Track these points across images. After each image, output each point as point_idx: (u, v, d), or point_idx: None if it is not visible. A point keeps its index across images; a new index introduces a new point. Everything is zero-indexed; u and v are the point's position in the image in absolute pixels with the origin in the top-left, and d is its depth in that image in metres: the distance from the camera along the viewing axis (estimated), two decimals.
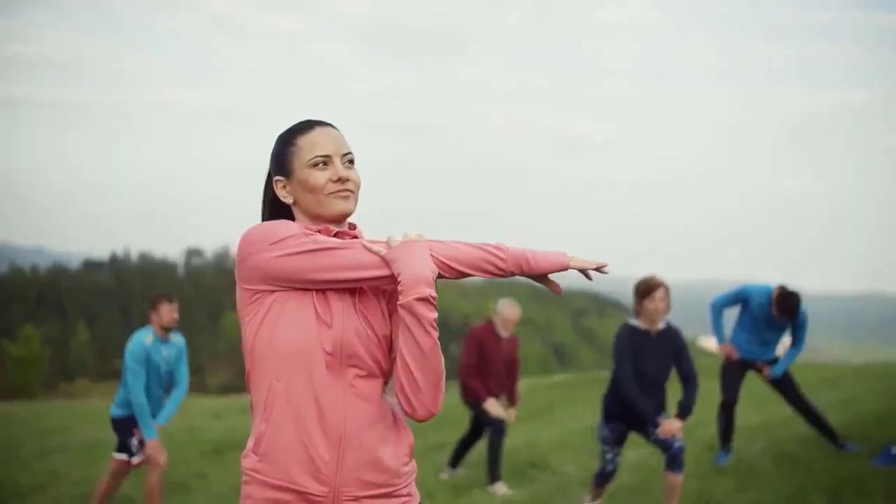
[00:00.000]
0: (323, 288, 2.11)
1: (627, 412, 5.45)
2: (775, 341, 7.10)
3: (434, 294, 2.06)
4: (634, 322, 5.50)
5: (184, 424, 12.64)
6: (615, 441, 5.65)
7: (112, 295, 75.41)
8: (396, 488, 2.17)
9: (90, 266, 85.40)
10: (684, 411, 5.40)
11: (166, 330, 6.26)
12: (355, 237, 2.22)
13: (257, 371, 2.14)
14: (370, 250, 2.10)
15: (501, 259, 2.16)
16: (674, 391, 5.51)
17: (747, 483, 6.35)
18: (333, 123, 2.26)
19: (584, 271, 2.22)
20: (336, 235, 2.19)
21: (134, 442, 6.19)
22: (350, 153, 2.21)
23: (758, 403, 9.57)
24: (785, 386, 7.14)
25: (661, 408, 5.49)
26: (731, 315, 7.23)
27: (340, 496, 2.10)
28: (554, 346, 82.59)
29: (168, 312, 6.25)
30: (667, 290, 5.41)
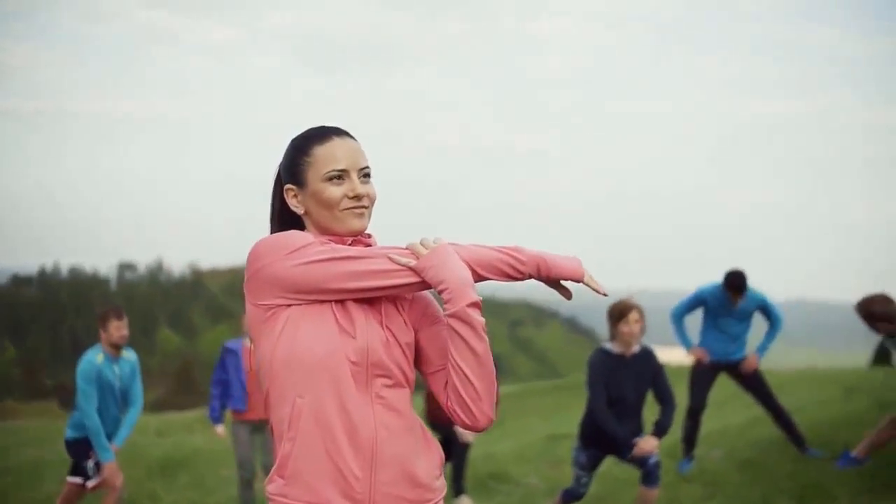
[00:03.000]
0: (346, 298, 2.03)
1: (604, 437, 5.39)
2: (743, 334, 7.15)
3: (480, 298, 2.00)
4: (608, 346, 5.43)
5: (126, 443, 12.31)
6: (591, 466, 5.59)
7: (41, 311, 73.58)
8: None
9: (18, 281, 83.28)
10: (661, 430, 5.37)
11: (116, 347, 6.04)
12: (369, 246, 2.15)
13: (277, 388, 2.04)
14: (395, 261, 2.02)
15: (521, 262, 2.10)
16: (650, 412, 5.47)
17: (714, 490, 6.38)
18: (350, 132, 2.17)
19: (592, 288, 2.19)
20: (351, 245, 2.11)
21: (90, 464, 5.96)
22: (367, 167, 2.13)
23: (714, 410, 9.63)
24: (756, 386, 7.19)
25: (637, 431, 5.44)
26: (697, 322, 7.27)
27: None
28: None
29: (117, 329, 6.00)
30: (641, 312, 5.35)
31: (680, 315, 7.17)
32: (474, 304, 1.99)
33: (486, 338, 2.02)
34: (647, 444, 5.28)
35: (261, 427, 6.74)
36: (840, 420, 8.30)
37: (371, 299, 2.07)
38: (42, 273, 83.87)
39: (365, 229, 2.13)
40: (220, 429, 6.88)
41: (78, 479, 6.04)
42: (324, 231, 2.12)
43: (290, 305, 2.01)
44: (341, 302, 2.03)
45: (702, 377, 7.19)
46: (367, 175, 2.13)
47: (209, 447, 13.56)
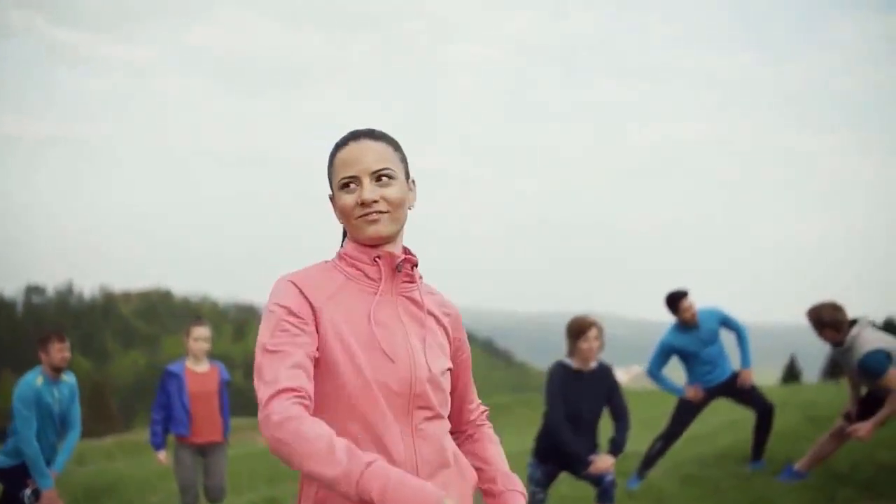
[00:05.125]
0: None
1: (560, 453, 5.37)
2: (721, 352, 7.21)
3: None
4: (567, 361, 5.44)
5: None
6: (547, 482, 5.57)
7: None
8: None
9: None
10: (616, 448, 5.39)
11: (57, 370, 5.83)
12: (411, 271, 2.04)
13: None
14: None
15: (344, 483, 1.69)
16: (604, 428, 5.49)
17: None
18: (379, 131, 2.04)
19: None
20: (398, 266, 2.00)
21: (27, 493, 5.70)
22: (384, 169, 1.96)
23: (654, 427, 9.74)
24: (751, 396, 7.20)
25: (593, 446, 5.44)
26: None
27: None
28: None
29: (58, 351, 5.80)
30: (600, 329, 5.36)
31: (657, 370, 7.23)
32: None
33: None
34: (603, 462, 5.28)
35: (203, 451, 6.56)
36: (773, 435, 8.46)
37: (418, 323, 1.99)
38: None
39: (383, 236, 1.97)
40: (163, 455, 6.64)
41: None
42: (353, 240, 2.03)
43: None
44: (382, 327, 1.93)
45: (690, 405, 7.23)
46: (387, 176, 1.97)
47: (132, 474, 13.20)
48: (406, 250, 2.06)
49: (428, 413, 1.95)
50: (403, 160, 2.06)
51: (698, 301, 7.15)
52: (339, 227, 2.10)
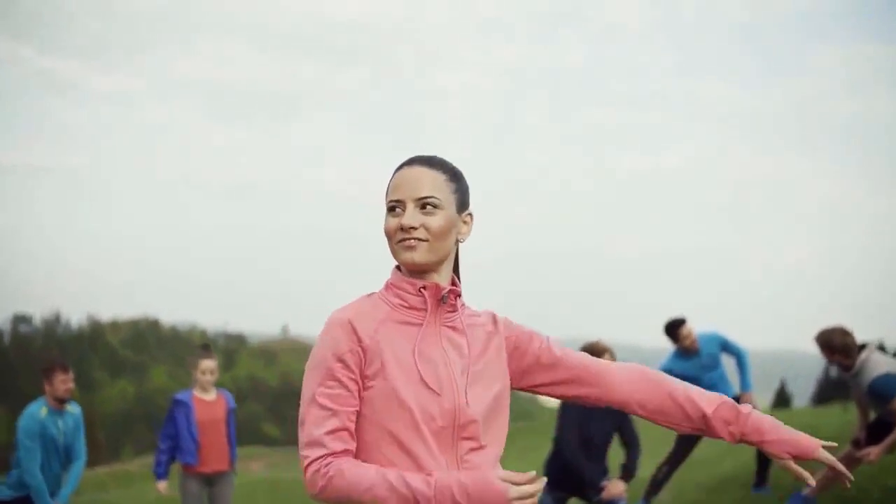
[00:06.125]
0: None
1: (571, 478, 5.36)
2: (723, 377, 7.23)
3: None
4: None
5: None
6: None
7: None
8: None
9: None
10: (628, 474, 5.40)
11: (61, 401, 5.80)
12: (455, 301, 2.01)
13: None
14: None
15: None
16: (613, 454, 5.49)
17: None
18: (438, 159, 2.02)
19: None
20: (443, 297, 1.97)
21: None
22: (428, 197, 1.93)
23: (655, 453, 9.73)
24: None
25: (604, 471, 5.44)
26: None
27: None
28: None
29: (62, 382, 5.78)
30: (613, 355, 5.35)
31: None
32: None
33: None
34: (615, 487, 5.29)
35: (210, 480, 6.49)
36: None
37: (457, 352, 1.96)
38: None
39: (416, 263, 1.94)
40: (163, 485, 6.54)
41: None
42: (398, 267, 2.02)
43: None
44: (427, 359, 1.92)
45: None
46: (432, 205, 1.93)
47: None
48: (452, 280, 2.04)
49: (473, 444, 1.92)
50: (458, 191, 2.01)
51: (692, 327, 7.17)
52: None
